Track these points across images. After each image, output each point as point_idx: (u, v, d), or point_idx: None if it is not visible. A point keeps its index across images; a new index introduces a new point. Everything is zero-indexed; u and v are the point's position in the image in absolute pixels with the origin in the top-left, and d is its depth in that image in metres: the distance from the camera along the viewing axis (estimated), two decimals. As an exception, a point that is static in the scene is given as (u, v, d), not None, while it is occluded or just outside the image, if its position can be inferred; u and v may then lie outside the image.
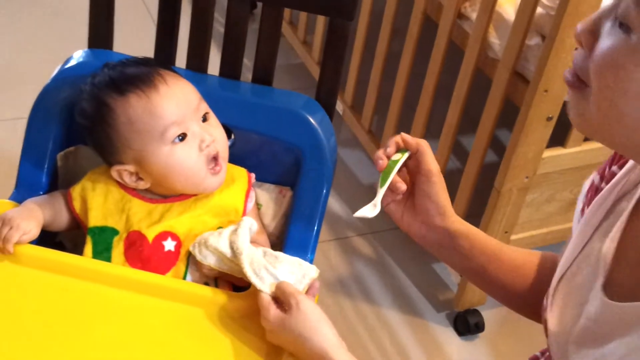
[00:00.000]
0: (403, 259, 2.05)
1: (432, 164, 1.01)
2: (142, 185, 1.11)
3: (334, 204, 2.15)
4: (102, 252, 1.10)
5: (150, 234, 1.09)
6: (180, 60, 1.27)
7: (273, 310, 0.99)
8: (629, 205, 0.85)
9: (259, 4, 1.24)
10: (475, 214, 1.81)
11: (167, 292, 1.05)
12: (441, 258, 1.09)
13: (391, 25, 1.98)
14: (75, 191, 1.13)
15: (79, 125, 1.13)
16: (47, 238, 1.18)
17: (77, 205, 1.12)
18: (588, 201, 0.94)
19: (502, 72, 1.62)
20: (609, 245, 0.85)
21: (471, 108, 1.81)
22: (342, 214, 2.15)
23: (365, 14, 2.06)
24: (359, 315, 1.90)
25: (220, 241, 1.07)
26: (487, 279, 1.06)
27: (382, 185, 1.01)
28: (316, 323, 0.97)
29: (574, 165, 1.72)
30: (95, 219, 1.10)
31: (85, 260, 1.08)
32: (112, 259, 1.09)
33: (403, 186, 1.02)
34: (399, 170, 1.01)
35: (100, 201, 1.11)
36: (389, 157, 1.02)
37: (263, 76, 1.26)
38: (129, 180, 1.10)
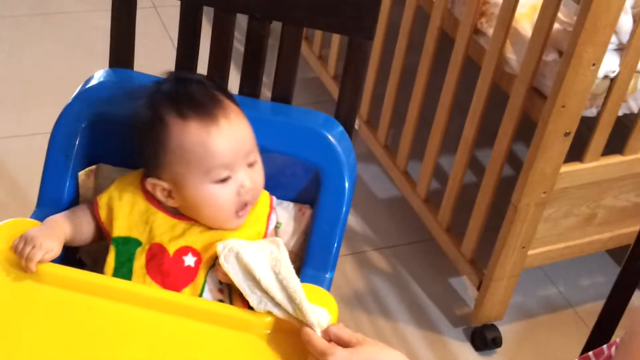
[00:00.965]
0: (420, 273, 2.05)
1: None
2: (172, 203, 1.11)
3: (350, 218, 2.15)
4: (125, 263, 1.10)
5: (172, 248, 1.10)
6: (200, 78, 1.28)
7: (338, 347, 0.99)
8: None
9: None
10: (492, 228, 1.81)
11: (184, 310, 1.05)
12: None
13: (407, 40, 1.98)
14: (102, 200, 1.13)
15: (132, 135, 1.13)
16: (68, 255, 1.19)
17: (103, 213, 1.12)
18: None
19: (519, 88, 1.62)
20: None
21: (488, 123, 1.81)
22: (358, 228, 2.15)
23: (382, 29, 2.07)
24: (375, 329, 1.90)
25: (254, 261, 1.05)
26: None
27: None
28: (387, 348, 0.99)
29: (591, 180, 1.72)
30: (119, 229, 1.11)
31: (104, 278, 1.09)
32: (133, 270, 1.10)
33: None
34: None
35: (126, 211, 1.11)
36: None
37: (282, 94, 1.27)
38: (160, 195, 1.10)
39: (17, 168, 2.14)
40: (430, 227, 1.99)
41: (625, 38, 1.59)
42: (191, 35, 1.26)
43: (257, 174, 1.11)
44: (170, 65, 1.28)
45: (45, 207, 1.18)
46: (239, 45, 1.37)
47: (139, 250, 1.10)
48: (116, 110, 1.19)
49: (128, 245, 1.10)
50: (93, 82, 1.21)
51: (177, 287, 1.09)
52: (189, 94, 1.08)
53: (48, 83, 2.44)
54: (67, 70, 2.51)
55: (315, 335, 1.01)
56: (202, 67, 1.28)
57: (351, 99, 1.25)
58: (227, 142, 1.06)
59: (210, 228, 1.12)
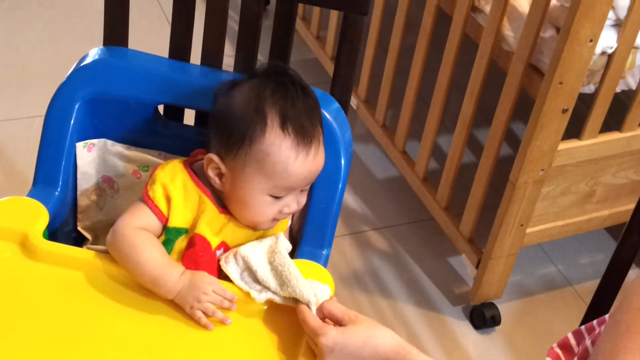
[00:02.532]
0: (418, 252, 2.05)
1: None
2: (216, 185, 1.10)
3: (349, 198, 2.15)
4: (164, 245, 1.09)
5: (214, 242, 1.11)
6: (195, 56, 1.27)
7: (330, 327, 0.99)
8: None
9: (273, 0, 1.24)
10: (490, 207, 1.81)
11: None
12: None
13: (404, 19, 1.98)
14: (157, 192, 1.09)
15: (223, 100, 1.10)
16: (66, 229, 1.20)
17: (162, 205, 1.09)
18: None
19: (517, 65, 1.61)
20: None
21: (485, 101, 1.80)
22: (357, 208, 2.15)
23: (379, 8, 2.06)
24: (374, 309, 1.91)
25: (251, 253, 1.08)
26: None
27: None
28: (379, 326, 0.99)
29: (589, 158, 1.72)
30: (175, 221, 1.09)
31: (101, 256, 1.09)
32: (171, 253, 1.09)
33: None
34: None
35: (181, 200, 1.09)
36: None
37: (277, 72, 1.26)
38: (211, 171, 1.09)
39: (15, 151, 2.14)
40: (428, 206, 1.99)
41: (622, 13, 1.58)
42: (185, 12, 1.25)
43: (303, 197, 1.13)
44: (165, 43, 1.28)
45: (41, 185, 1.18)
46: (232, 24, 1.37)
47: (182, 237, 1.10)
48: (112, 88, 1.20)
49: (177, 234, 1.10)
50: (88, 60, 1.21)
51: None
52: (297, 107, 1.07)
53: (45, 66, 2.44)
54: (64, 53, 2.50)
55: (310, 313, 1.02)
56: (197, 45, 1.27)
57: (346, 75, 1.24)
58: (304, 172, 1.07)
59: (246, 227, 1.13)
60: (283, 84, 1.08)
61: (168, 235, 1.09)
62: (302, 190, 1.12)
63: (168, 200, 1.08)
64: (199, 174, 1.12)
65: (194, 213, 1.10)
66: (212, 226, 1.11)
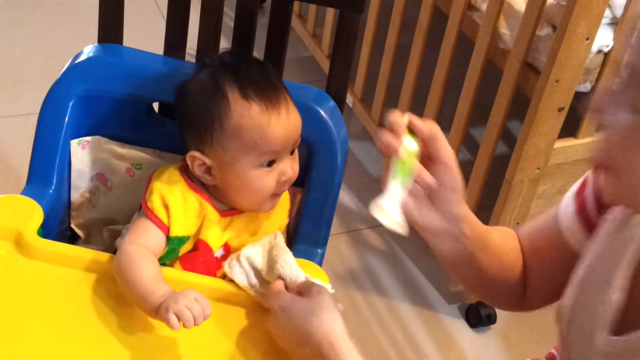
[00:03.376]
0: (414, 251, 2.05)
1: (448, 150, 0.90)
2: (207, 180, 1.09)
3: (345, 196, 2.15)
4: (169, 254, 1.09)
5: (217, 245, 1.10)
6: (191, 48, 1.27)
7: (284, 292, 0.98)
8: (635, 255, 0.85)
9: (269, -2, 1.24)
10: (486, 205, 1.81)
11: (174, 283, 1.04)
12: (437, 248, 0.98)
13: (401, 17, 1.97)
14: (155, 203, 1.07)
15: (182, 99, 1.09)
16: (60, 228, 1.19)
17: (162, 215, 1.07)
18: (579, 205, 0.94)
19: (513, 63, 1.61)
20: (617, 295, 0.84)
21: (482, 99, 1.80)
22: (353, 206, 2.15)
23: (375, 6, 2.06)
24: (370, 307, 1.91)
25: (255, 253, 1.07)
26: (473, 268, 0.98)
27: (403, 181, 0.88)
28: (331, 308, 0.94)
29: (585, 156, 1.71)
30: (177, 230, 1.08)
31: (94, 253, 1.08)
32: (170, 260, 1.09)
33: (432, 180, 0.89)
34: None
35: (180, 209, 1.08)
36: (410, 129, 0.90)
37: (273, 69, 1.26)
38: (197, 169, 1.08)
39: (10, 149, 2.14)
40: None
41: (619, 12, 1.58)
42: (181, 9, 1.25)
43: (296, 162, 1.12)
44: (161, 41, 1.27)
45: (36, 183, 1.18)
46: (228, 21, 1.37)
47: (185, 245, 1.10)
48: (106, 85, 1.19)
49: (180, 242, 1.09)
50: (82, 58, 1.20)
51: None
52: (253, 76, 1.07)
53: (40, 64, 2.43)
54: (59, 51, 2.49)
55: (280, 282, 1.00)
56: (192, 43, 1.27)
57: (342, 73, 1.24)
58: (282, 131, 1.06)
59: (244, 226, 1.12)
60: (233, 62, 1.09)
61: (171, 245, 1.08)
62: (292, 155, 1.10)
63: (167, 209, 1.07)
64: (195, 180, 1.11)
65: (196, 219, 1.09)
66: (215, 230, 1.10)
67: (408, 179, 0.88)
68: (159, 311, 0.95)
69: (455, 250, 0.95)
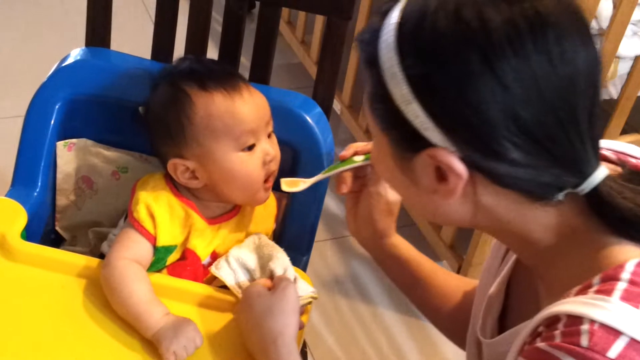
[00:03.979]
0: (400, 258, 2.05)
1: (383, 187, 1.02)
2: (194, 184, 1.09)
3: (331, 202, 2.15)
4: (155, 264, 1.08)
5: (205, 254, 1.10)
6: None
7: (258, 285, 1.00)
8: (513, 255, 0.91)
9: (258, 4, 1.24)
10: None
11: (160, 289, 1.05)
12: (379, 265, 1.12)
13: (389, 25, 1.98)
14: (141, 214, 1.06)
15: (147, 113, 1.11)
16: (45, 229, 1.19)
17: (148, 226, 1.06)
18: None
19: (499, 73, 1.62)
20: (495, 289, 0.91)
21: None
22: (339, 213, 2.15)
23: (364, 12, 2.06)
24: (355, 314, 1.91)
25: (243, 254, 1.08)
26: (417, 300, 1.11)
27: (324, 173, 1.05)
28: (289, 311, 0.97)
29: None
30: (163, 239, 1.07)
31: (79, 257, 1.08)
32: (162, 268, 1.09)
33: (343, 189, 1.03)
34: (358, 174, 1.02)
35: (167, 219, 1.08)
36: (357, 154, 1.03)
37: (260, 76, 1.26)
38: (181, 176, 1.08)
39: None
40: (410, 212, 2.00)
41: (605, 23, 1.60)
42: (169, 13, 1.25)
43: (275, 145, 1.12)
44: (149, 45, 1.27)
45: (20, 186, 1.17)
46: (216, 25, 1.37)
47: (173, 254, 1.09)
48: (93, 89, 1.19)
49: (167, 252, 1.08)
50: (69, 61, 1.20)
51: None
52: (208, 69, 1.10)
53: (28, 66, 2.42)
54: (47, 54, 2.47)
55: (262, 280, 1.03)
56: (180, 47, 1.27)
57: (329, 80, 1.25)
58: (251, 110, 1.07)
59: (232, 231, 1.12)
60: (186, 65, 1.11)
61: (158, 255, 1.07)
62: (269, 136, 1.11)
63: (153, 219, 1.07)
64: (181, 189, 1.11)
65: (182, 228, 1.09)
66: (202, 239, 1.10)
67: (332, 171, 1.04)
68: (157, 338, 0.98)
69: (393, 278, 1.12)
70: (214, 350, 1.01)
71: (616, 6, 1.57)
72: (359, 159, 1.01)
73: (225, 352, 1.01)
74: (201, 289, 1.07)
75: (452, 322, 1.08)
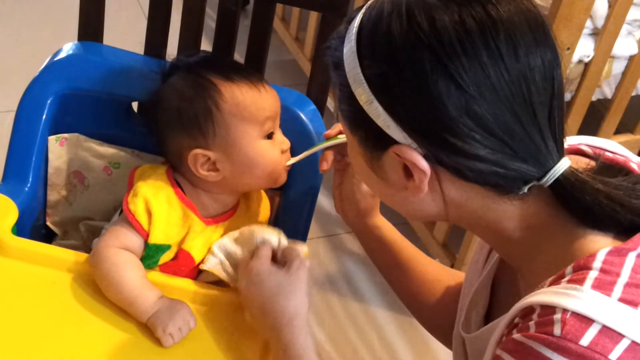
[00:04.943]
0: (392, 256, 2.05)
1: None
2: (212, 177, 1.08)
3: (324, 200, 2.15)
4: (147, 262, 1.07)
5: (200, 255, 1.09)
6: (171, 54, 1.26)
7: (267, 260, 1.00)
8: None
9: (252, 0, 1.24)
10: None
11: (161, 289, 1.04)
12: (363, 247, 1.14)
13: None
14: (138, 207, 1.05)
15: (162, 107, 1.09)
16: (37, 224, 1.18)
17: (142, 220, 1.05)
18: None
19: (494, 71, 1.62)
20: (480, 285, 0.94)
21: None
22: (332, 211, 2.13)
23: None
24: (347, 312, 1.90)
25: (225, 241, 1.08)
26: (395, 284, 1.13)
27: (308, 151, 1.10)
28: (302, 292, 0.98)
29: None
30: (156, 237, 1.06)
31: (70, 253, 1.07)
32: (149, 268, 1.08)
33: (324, 166, 1.06)
34: (343, 152, 1.04)
35: (163, 216, 1.07)
36: (342, 132, 1.05)
37: (254, 72, 1.26)
38: (201, 168, 1.07)
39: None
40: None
41: (600, 23, 1.60)
42: (162, 8, 1.24)
43: (285, 138, 1.14)
44: (142, 39, 1.27)
45: (11, 180, 1.16)
46: (210, 21, 1.36)
47: (166, 254, 1.08)
48: (85, 83, 1.18)
49: (158, 250, 1.07)
50: (61, 55, 1.20)
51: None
52: (226, 64, 1.12)
53: (20, 61, 2.41)
54: (39, 48, 2.46)
55: (267, 246, 1.03)
56: (173, 42, 1.26)
57: (323, 77, 1.24)
58: (272, 101, 1.10)
59: (229, 230, 1.11)
60: (198, 60, 1.12)
61: (148, 251, 1.06)
62: (279, 130, 1.13)
63: (149, 215, 1.06)
64: (184, 186, 1.10)
65: (180, 229, 1.08)
66: (199, 240, 1.09)
67: (316, 147, 1.09)
68: (152, 322, 0.99)
69: (374, 260, 1.14)
70: (208, 345, 1.01)
71: (611, 5, 1.57)
72: (343, 137, 1.04)
73: (219, 346, 1.01)
74: (194, 286, 1.07)
75: (433, 314, 1.09)
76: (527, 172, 0.75)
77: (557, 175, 0.75)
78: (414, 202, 0.81)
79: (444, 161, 0.75)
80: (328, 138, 1.07)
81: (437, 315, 1.08)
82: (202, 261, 1.09)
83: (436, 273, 1.11)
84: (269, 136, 1.09)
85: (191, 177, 1.09)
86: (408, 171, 0.78)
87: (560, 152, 0.77)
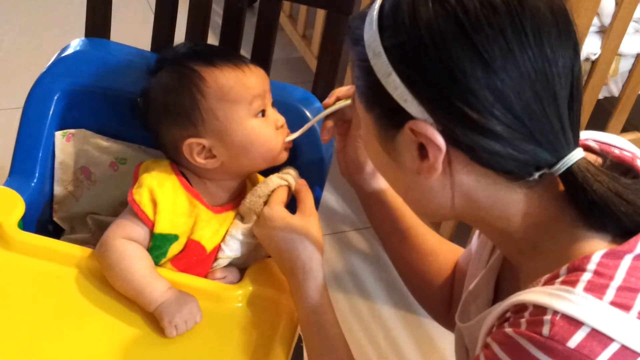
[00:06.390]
0: (398, 254, 2.05)
1: None
2: (211, 164, 1.08)
3: (330, 197, 2.15)
4: (156, 253, 1.07)
5: (212, 244, 1.09)
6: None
7: (278, 206, 1.04)
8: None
9: (258, -3, 1.24)
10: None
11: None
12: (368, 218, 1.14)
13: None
14: (144, 197, 1.06)
15: (147, 101, 1.11)
16: (42, 219, 1.19)
17: (148, 210, 1.06)
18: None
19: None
20: (483, 279, 0.94)
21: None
22: (338, 208, 2.15)
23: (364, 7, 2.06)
24: (353, 310, 1.91)
25: (235, 225, 1.11)
26: (392, 252, 1.12)
27: (309, 123, 1.12)
28: (315, 238, 1.02)
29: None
30: (162, 227, 1.06)
31: (75, 248, 1.08)
32: (161, 259, 1.08)
33: (325, 135, 1.08)
34: (344, 117, 1.07)
35: (169, 205, 1.07)
36: (339, 99, 1.06)
37: (260, 68, 1.26)
38: (198, 157, 1.08)
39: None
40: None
41: (607, 20, 1.59)
42: (169, 5, 1.25)
43: (279, 114, 1.14)
44: (149, 35, 1.27)
45: (18, 175, 1.17)
46: (216, 18, 1.36)
47: (174, 245, 1.08)
48: (92, 79, 1.19)
49: (165, 240, 1.08)
50: (68, 51, 1.20)
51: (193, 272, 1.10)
52: (209, 50, 1.13)
53: (28, 58, 2.42)
54: (47, 45, 2.48)
55: (282, 189, 1.08)
56: (180, 39, 1.26)
57: (329, 74, 1.24)
58: (258, 79, 1.10)
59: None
60: (183, 49, 1.13)
61: (155, 242, 1.07)
62: (273, 108, 1.13)
63: (155, 204, 1.06)
64: (189, 176, 1.11)
65: (187, 218, 1.08)
66: (209, 229, 1.09)
67: (317, 117, 1.11)
68: (159, 311, 1.00)
69: (376, 227, 1.13)
70: (217, 343, 1.01)
71: (618, 3, 1.57)
72: (341, 103, 1.06)
73: (228, 344, 1.02)
74: (205, 285, 1.07)
75: (434, 291, 1.10)
76: (540, 157, 0.74)
77: (570, 164, 0.75)
78: (423, 188, 0.80)
79: (460, 139, 0.74)
80: (327, 107, 1.07)
81: (431, 291, 1.09)
82: (214, 250, 1.10)
83: (435, 245, 1.10)
84: (262, 115, 1.10)
85: (194, 168, 1.10)
86: (422, 152, 0.77)
87: (576, 142, 0.76)
